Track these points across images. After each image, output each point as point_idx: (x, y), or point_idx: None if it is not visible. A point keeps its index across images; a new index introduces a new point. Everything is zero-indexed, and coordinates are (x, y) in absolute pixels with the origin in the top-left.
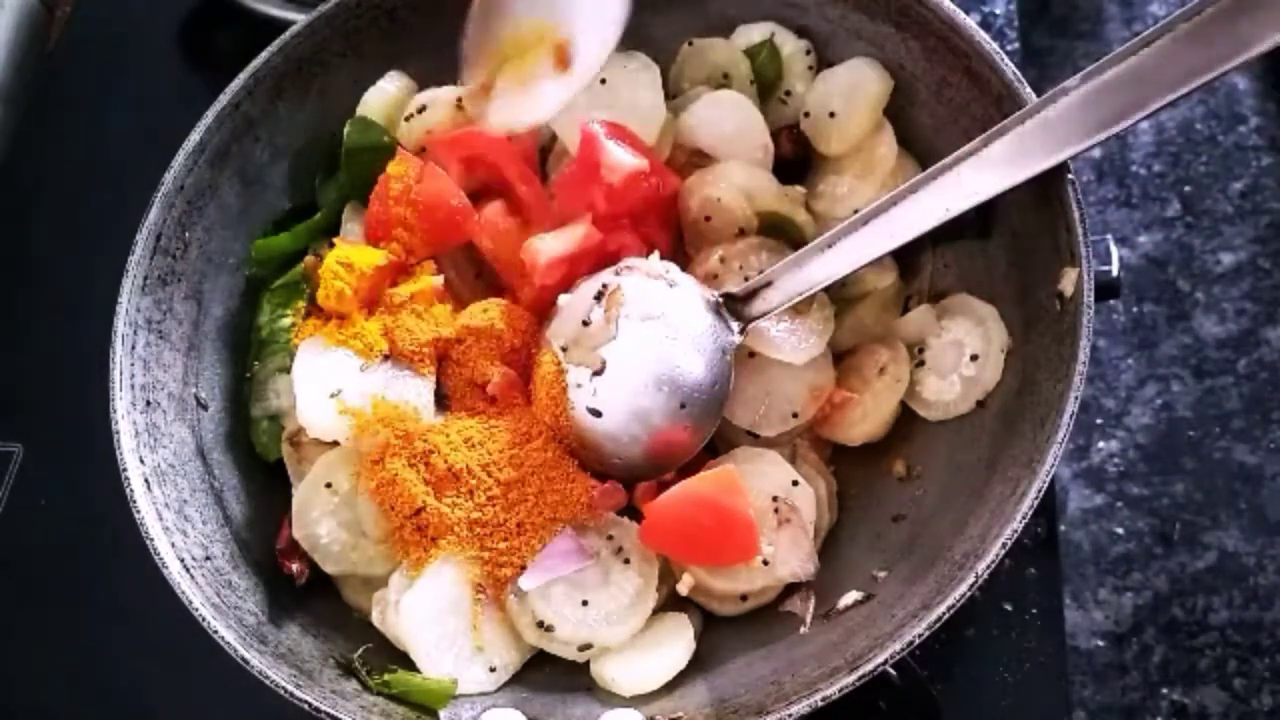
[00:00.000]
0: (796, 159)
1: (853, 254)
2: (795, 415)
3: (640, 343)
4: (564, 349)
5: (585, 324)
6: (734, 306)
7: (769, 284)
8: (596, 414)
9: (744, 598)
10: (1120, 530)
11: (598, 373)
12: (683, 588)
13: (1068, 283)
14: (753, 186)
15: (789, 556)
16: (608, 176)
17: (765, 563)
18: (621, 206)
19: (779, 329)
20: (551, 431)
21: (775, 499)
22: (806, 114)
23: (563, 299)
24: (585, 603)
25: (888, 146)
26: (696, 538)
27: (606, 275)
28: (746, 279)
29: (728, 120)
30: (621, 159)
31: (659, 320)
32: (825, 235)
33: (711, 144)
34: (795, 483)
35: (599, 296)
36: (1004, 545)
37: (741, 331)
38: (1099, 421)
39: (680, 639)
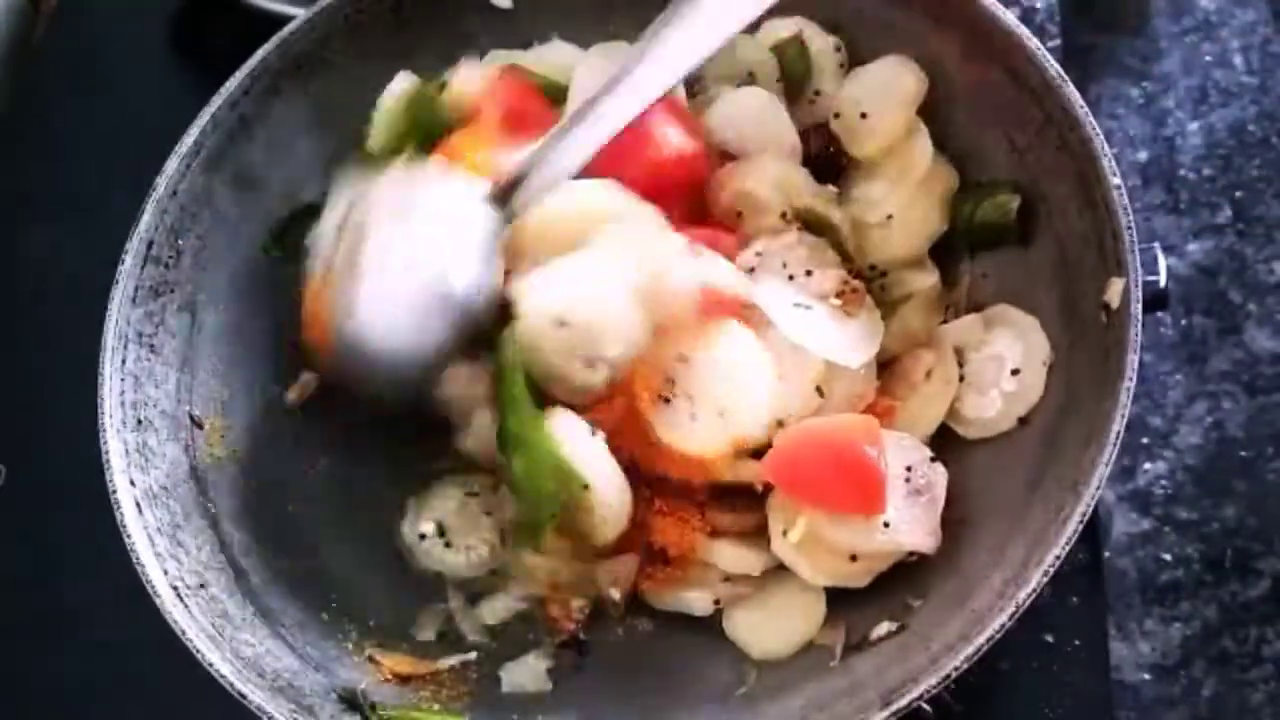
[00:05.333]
0: (825, 159)
1: (611, 118)
2: None
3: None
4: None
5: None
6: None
7: (527, 170)
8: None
9: (854, 558)
10: (1168, 556)
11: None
12: (794, 534)
13: (1114, 294)
14: (787, 181)
15: (914, 525)
16: (655, 150)
17: (886, 524)
18: (657, 184)
19: (830, 328)
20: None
21: (909, 468)
22: (837, 115)
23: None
24: None
25: (923, 148)
26: (823, 480)
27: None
28: (791, 278)
29: (753, 118)
30: (675, 137)
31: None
32: (574, 109)
33: (737, 142)
34: (933, 459)
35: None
36: (1046, 573)
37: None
38: (1145, 441)
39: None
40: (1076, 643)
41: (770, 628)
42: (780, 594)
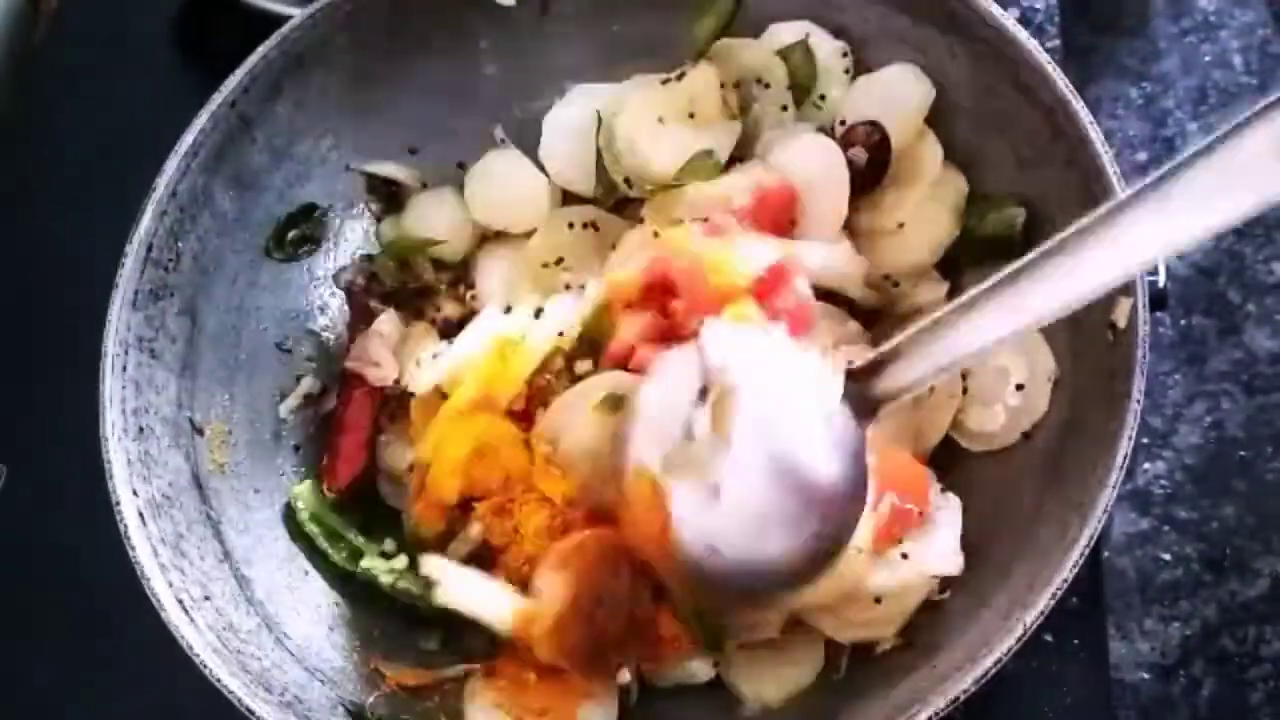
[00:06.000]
0: (872, 166)
1: (1001, 319)
2: None
3: (761, 452)
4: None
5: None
6: (851, 388)
7: (897, 356)
8: (714, 550)
9: (878, 600)
10: (1167, 556)
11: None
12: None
13: (1120, 314)
14: (826, 270)
15: (934, 550)
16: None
17: (904, 556)
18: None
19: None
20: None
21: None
22: (843, 121)
23: (644, 393)
24: None
25: (932, 152)
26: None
27: (696, 358)
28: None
29: (816, 169)
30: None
31: (779, 417)
32: (966, 296)
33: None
34: (943, 490)
35: (702, 394)
36: (1053, 596)
37: (868, 416)
38: (1144, 441)
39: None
40: (1076, 642)
41: (769, 677)
42: (781, 646)
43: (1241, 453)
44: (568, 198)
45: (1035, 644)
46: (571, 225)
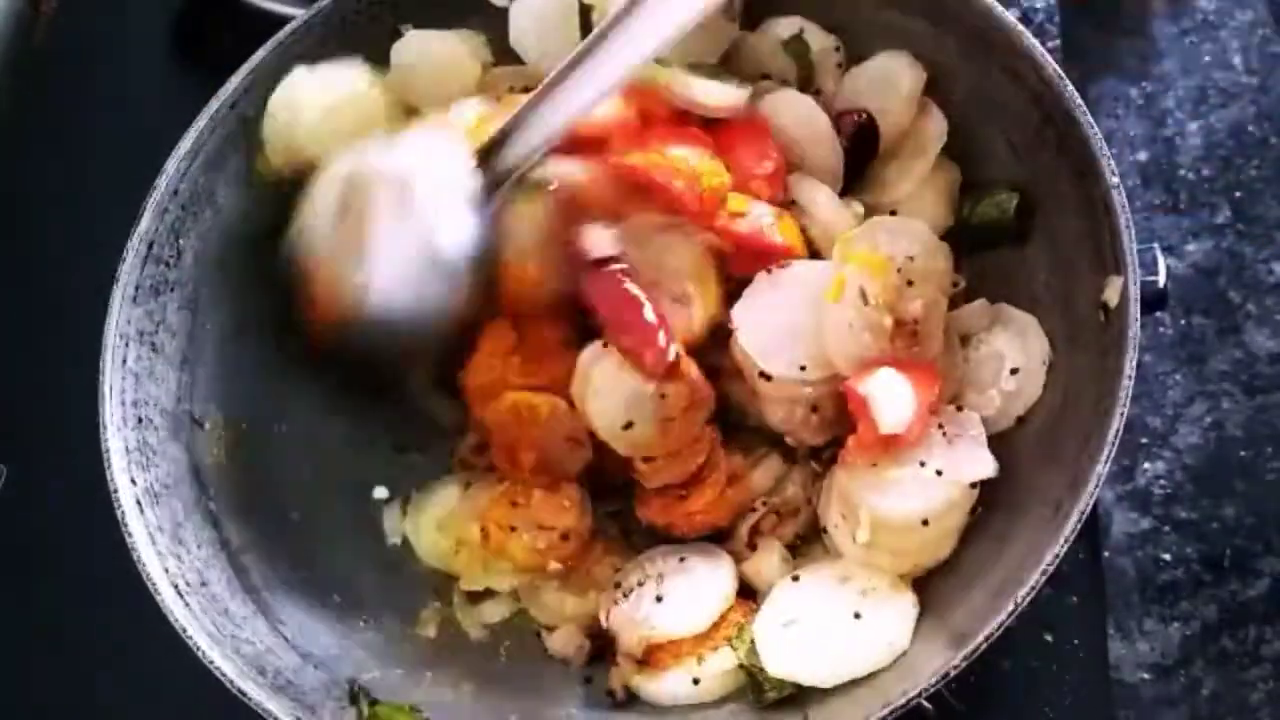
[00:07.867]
0: (863, 142)
1: (598, 80)
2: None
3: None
4: None
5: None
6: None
7: (516, 127)
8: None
9: (925, 523)
10: (1167, 556)
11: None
12: (863, 533)
13: (1112, 292)
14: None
15: (964, 459)
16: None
17: (939, 473)
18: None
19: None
20: None
21: (940, 425)
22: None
23: None
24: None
25: (936, 124)
26: None
27: None
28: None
29: (801, 124)
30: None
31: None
32: (559, 66)
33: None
34: (959, 408)
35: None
36: (1044, 573)
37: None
38: (1144, 441)
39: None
40: (1076, 642)
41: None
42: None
43: (1241, 453)
44: None
45: (1036, 644)
46: (512, 89)
